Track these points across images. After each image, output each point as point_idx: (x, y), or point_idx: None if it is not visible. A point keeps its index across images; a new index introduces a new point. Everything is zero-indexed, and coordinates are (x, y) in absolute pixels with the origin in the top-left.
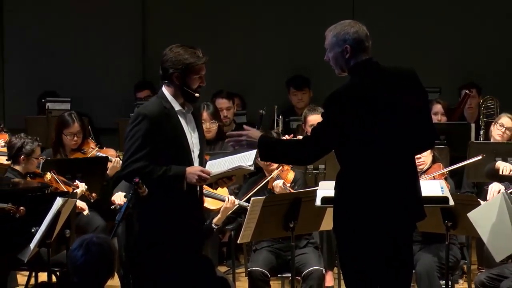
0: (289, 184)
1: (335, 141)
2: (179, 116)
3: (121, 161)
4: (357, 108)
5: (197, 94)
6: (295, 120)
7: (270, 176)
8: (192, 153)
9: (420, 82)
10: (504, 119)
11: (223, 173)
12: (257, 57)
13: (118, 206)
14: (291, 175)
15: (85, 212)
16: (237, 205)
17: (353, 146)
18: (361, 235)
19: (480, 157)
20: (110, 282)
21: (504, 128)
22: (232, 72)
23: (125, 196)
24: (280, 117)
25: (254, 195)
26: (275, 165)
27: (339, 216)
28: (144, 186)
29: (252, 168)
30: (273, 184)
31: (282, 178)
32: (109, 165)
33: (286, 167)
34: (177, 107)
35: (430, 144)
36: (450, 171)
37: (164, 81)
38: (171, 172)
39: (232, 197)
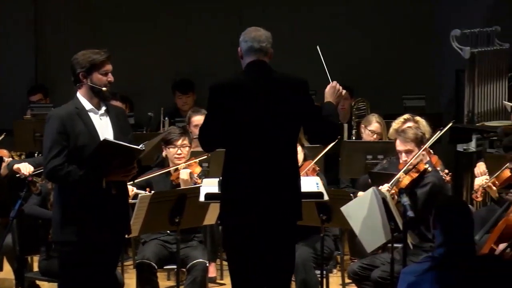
0: (196, 175)
1: (216, 130)
2: (90, 115)
3: None
4: (231, 101)
5: (104, 88)
6: (180, 121)
7: (175, 167)
8: None
9: (308, 93)
10: (374, 125)
11: (94, 153)
12: (144, 61)
13: (23, 175)
14: (198, 169)
15: None
16: (135, 194)
17: (231, 140)
18: (242, 229)
19: None
20: (4, 275)
21: (375, 134)
22: (119, 76)
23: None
24: (166, 118)
25: (155, 185)
26: (184, 159)
27: (222, 210)
28: (38, 184)
29: (142, 148)
30: (181, 171)
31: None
32: (3, 165)
33: (193, 161)
34: (88, 106)
35: (331, 139)
36: (325, 167)
37: (76, 85)
38: (87, 176)
39: (130, 186)
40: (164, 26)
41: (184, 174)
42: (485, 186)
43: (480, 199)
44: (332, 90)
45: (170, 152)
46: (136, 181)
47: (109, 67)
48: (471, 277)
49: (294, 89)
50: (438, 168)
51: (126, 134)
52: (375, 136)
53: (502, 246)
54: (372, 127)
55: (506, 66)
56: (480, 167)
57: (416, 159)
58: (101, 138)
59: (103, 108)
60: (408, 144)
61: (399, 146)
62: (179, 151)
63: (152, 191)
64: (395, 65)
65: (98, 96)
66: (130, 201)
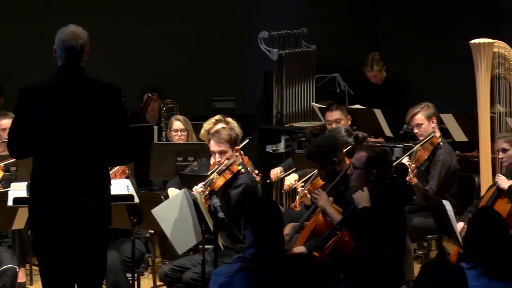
0: None
1: (25, 135)
2: None
3: None
4: (40, 104)
5: None
6: None
7: None
8: None
9: (120, 100)
10: (175, 124)
11: None
12: None
13: None
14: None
15: None
16: None
17: (39, 145)
18: (52, 234)
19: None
20: None
21: (179, 132)
22: None
23: None
24: None
25: None
26: None
27: (31, 214)
28: None
29: None
30: None
31: None
32: None
33: None
34: None
35: (130, 159)
36: (136, 170)
37: None
38: None
39: None
40: None
41: None
42: (301, 195)
43: (298, 208)
44: None
45: None
46: None
47: None
48: (281, 276)
49: (106, 95)
50: (249, 169)
51: None
52: (179, 133)
53: (297, 249)
54: (174, 126)
55: (313, 67)
56: (288, 180)
57: (230, 160)
58: None
59: None
60: (222, 145)
61: (213, 146)
62: None
63: None
64: (205, 67)
65: None
66: None
